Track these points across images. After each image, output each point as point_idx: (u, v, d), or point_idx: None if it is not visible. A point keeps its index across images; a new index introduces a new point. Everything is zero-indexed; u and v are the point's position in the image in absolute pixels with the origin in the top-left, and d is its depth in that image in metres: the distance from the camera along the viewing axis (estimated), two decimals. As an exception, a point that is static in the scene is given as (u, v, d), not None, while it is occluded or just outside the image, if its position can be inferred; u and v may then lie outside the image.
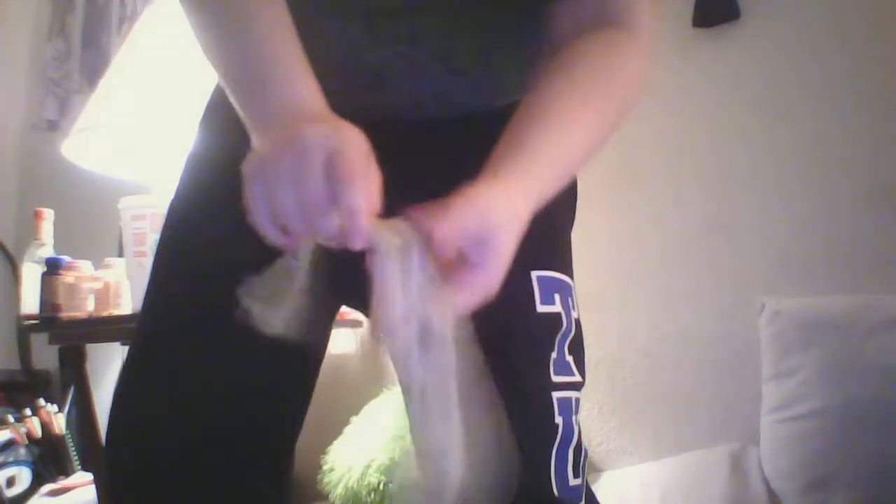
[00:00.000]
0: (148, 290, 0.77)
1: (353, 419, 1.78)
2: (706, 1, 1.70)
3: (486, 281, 0.53)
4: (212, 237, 0.72)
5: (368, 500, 1.56)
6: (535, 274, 0.67)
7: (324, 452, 1.75)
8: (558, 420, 0.63)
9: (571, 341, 0.69)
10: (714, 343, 1.63)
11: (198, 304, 0.72)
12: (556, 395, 0.64)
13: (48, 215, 1.86)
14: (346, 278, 0.70)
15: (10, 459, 1.99)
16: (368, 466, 1.59)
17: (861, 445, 1.26)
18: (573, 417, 0.65)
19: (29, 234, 1.87)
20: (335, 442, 1.75)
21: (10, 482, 1.96)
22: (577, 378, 0.68)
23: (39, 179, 2.98)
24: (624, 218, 1.80)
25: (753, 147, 1.65)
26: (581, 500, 0.64)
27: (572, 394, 0.66)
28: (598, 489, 1.56)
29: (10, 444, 2.00)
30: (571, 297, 0.70)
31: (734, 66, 1.69)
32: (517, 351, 0.65)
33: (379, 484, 1.55)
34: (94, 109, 1.75)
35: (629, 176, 1.80)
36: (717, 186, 1.68)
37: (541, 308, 0.66)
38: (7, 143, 3.17)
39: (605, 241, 1.81)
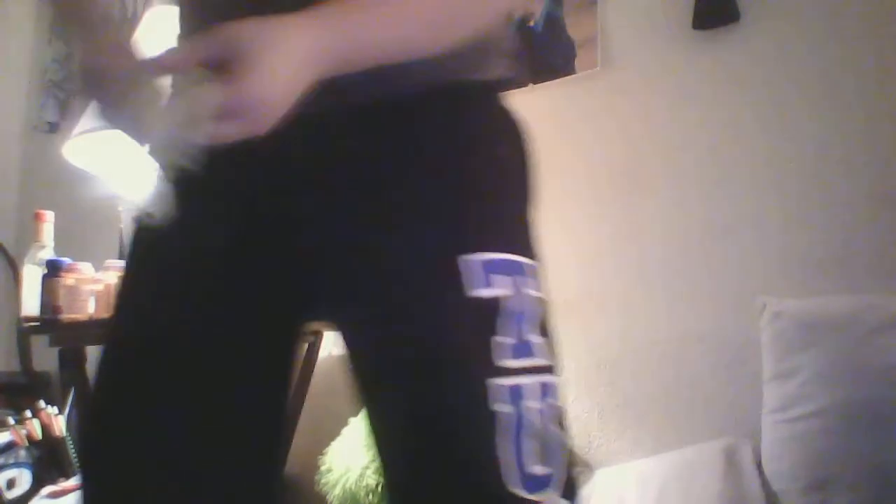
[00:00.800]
0: (120, 287, 0.79)
1: (352, 420, 1.78)
2: (706, 3, 1.71)
3: (243, 88, 0.54)
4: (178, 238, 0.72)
5: (366, 501, 1.56)
6: (467, 258, 0.63)
7: (322, 453, 1.75)
8: (501, 408, 0.60)
9: (539, 321, 0.66)
10: (715, 344, 1.63)
11: (165, 309, 0.72)
12: (497, 381, 0.61)
13: (49, 217, 1.86)
14: (306, 292, 0.70)
15: (11, 461, 1.98)
16: (366, 468, 1.59)
17: (862, 446, 1.26)
18: (532, 403, 0.62)
19: (29, 236, 1.87)
20: (333, 443, 1.75)
21: (11, 484, 1.96)
22: (544, 361, 0.65)
23: (40, 181, 2.99)
24: (624, 219, 1.80)
25: (754, 148, 1.65)
26: (548, 488, 0.61)
27: (531, 379, 0.63)
28: (594, 486, 1.57)
29: (10, 447, 2.00)
30: (527, 276, 0.66)
31: (734, 69, 1.69)
32: (435, 340, 0.63)
33: (377, 485, 1.55)
34: (94, 111, 1.75)
35: (629, 177, 1.80)
36: (717, 188, 1.68)
37: (474, 292, 0.63)
38: (8, 145, 3.18)
39: (605, 242, 1.81)
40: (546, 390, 0.64)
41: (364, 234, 0.67)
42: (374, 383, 0.68)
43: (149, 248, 0.76)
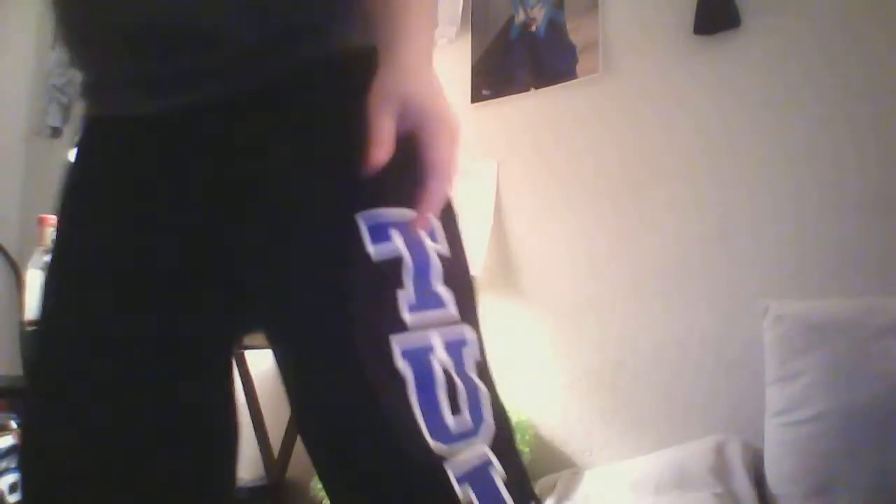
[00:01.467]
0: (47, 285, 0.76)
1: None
2: (707, 8, 1.71)
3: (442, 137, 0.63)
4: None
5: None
6: (363, 214, 0.63)
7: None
8: (407, 363, 0.60)
9: (448, 275, 0.65)
10: (717, 346, 1.63)
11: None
12: (401, 336, 0.61)
13: (52, 221, 1.87)
14: (233, 288, 0.70)
15: (13, 465, 1.99)
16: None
17: (865, 449, 1.26)
18: (442, 356, 0.62)
19: (32, 240, 1.87)
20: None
21: (13, 488, 1.96)
22: (452, 316, 0.64)
23: (43, 185, 2.99)
24: (626, 223, 1.80)
25: (756, 152, 1.65)
26: (470, 439, 0.61)
27: (440, 332, 0.63)
28: (587, 484, 1.58)
29: (12, 450, 2.01)
30: (433, 231, 0.67)
31: (735, 74, 1.70)
32: (336, 300, 0.63)
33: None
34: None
35: (631, 181, 1.81)
36: (720, 191, 1.69)
37: (372, 248, 0.62)
38: (11, 150, 3.19)
39: (607, 246, 1.82)
40: (458, 342, 0.64)
41: (266, 208, 0.67)
42: (286, 355, 0.68)
43: (77, 251, 0.75)
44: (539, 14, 2.02)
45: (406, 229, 0.64)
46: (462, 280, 0.68)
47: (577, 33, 1.94)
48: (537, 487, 1.66)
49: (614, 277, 1.80)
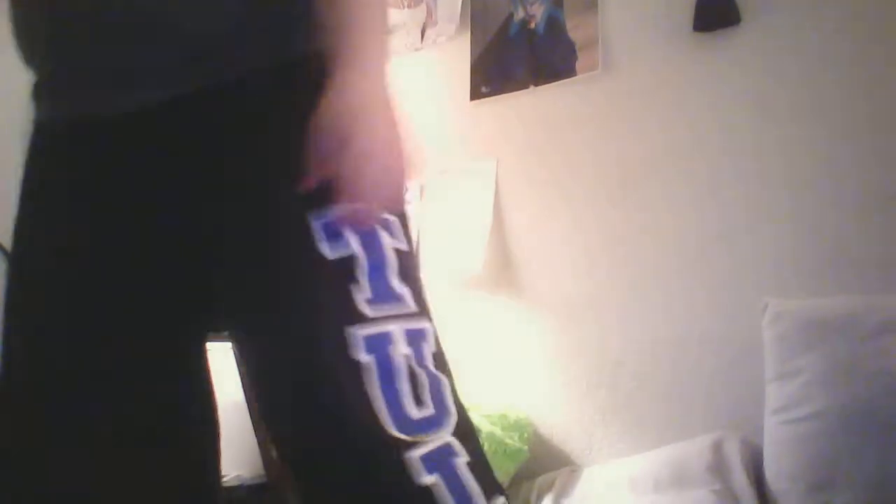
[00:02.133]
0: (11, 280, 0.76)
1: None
2: (707, 6, 1.71)
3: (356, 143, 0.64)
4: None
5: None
6: (316, 214, 0.65)
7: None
8: (365, 356, 0.62)
9: (402, 272, 0.68)
10: (717, 345, 1.63)
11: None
12: (358, 330, 0.63)
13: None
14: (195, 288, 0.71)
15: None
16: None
17: (865, 447, 1.26)
18: (402, 348, 0.64)
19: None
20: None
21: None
22: (410, 309, 0.67)
23: (42, 184, 2.99)
24: (626, 221, 1.80)
25: (755, 150, 1.65)
26: (434, 429, 0.62)
27: (398, 325, 0.65)
28: (586, 482, 1.58)
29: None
30: (387, 228, 0.69)
31: (735, 71, 1.69)
32: (294, 298, 0.65)
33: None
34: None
35: (630, 179, 1.81)
36: (719, 189, 1.69)
37: (326, 247, 0.65)
38: (11, 149, 3.18)
39: (608, 244, 1.82)
40: (416, 335, 0.66)
41: (223, 210, 0.68)
42: (250, 352, 0.70)
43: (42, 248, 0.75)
44: (538, 11, 2.01)
45: (362, 227, 0.66)
46: (415, 273, 0.70)
47: (576, 30, 1.94)
48: (536, 485, 1.66)
49: (614, 276, 1.79)
